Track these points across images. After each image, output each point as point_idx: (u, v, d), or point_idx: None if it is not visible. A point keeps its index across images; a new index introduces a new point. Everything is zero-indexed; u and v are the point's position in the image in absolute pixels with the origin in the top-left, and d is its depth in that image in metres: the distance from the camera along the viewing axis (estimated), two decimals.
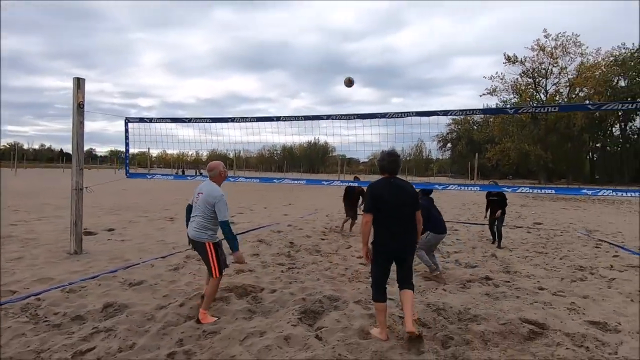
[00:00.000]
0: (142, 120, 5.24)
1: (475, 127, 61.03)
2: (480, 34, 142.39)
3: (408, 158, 76.78)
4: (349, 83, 4.74)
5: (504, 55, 43.20)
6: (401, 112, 4.61)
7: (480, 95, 47.36)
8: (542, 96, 43.89)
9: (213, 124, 5.38)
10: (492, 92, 44.36)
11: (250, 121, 5.19)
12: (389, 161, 2.90)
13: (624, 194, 4.49)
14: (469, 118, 63.67)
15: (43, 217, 8.55)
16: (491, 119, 47.18)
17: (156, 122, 5.15)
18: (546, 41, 41.13)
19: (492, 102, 44.88)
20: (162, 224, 8.07)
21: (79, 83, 4.99)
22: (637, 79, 39.93)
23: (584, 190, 5.03)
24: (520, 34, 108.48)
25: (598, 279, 4.77)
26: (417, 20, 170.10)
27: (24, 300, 3.29)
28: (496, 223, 6.72)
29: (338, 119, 4.92)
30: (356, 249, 6.07)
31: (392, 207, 2.79)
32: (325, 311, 3.35)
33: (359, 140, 5.36)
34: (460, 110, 4.90)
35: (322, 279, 4.36)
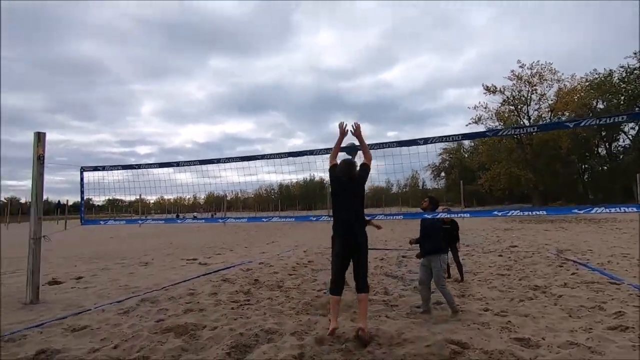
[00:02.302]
0: (96, 169, 5.50)
1: (466, 155, 62.06)
2: (465, 67, 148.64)
3: (404, 190, 77.39)
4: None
5: (483, 85, 45.02)
6: (383, 143, 4.54)
7: (467, 125, 48.60)
8: (526, 121, 45.14)
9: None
10: (477, 120, 45.60)
11: (225, 162, 5.29)
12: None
13: (617, 210, 4.05)
14: (459, 146, 65.07)
15: (18, 270, 8.56)
16: (480, 146, 48.19)
17: (109, 170, 5.40)
18: (522, 70, 43.07)
19: (479, 129, 46.07)
20: (134, 269, 8.08)
21: (39, 137, 5.30)
22: (614, 100, 41.36)
23: (575, 210, 4.53)
24: (501, 64, 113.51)
25: (548, 297, 4.81)
26: (407, 56, 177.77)
27: None
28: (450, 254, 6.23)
29: (320, 154, 4.85)
30: (321, 282, 6.12)
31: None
32: (257, 344, 3.39)
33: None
34: (439, 137, 4.37)
35: (270, 313, 4.39)
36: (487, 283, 5.80)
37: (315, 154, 4.82)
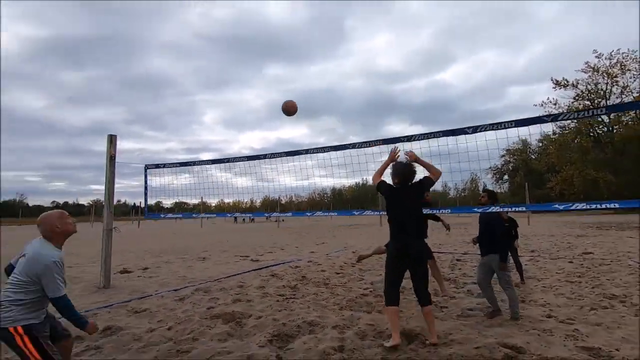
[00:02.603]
0: (157, 166, 6.00)
1: (534, 157, 57.17)
2: (530, 63, 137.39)
3: (463, 194, 73.32)
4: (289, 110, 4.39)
5: (552, 80, 41.24)
6: (428, 133, 4.25)
7: None
8: (605, 117, 40.46)
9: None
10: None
11: (271, 157, 5.39)
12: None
13: None
14: (525, 147, 60.12)
15: (97, 261, 9.61)
16: (549, 147, 44.15)
17: (169, 167, 5.87)
18: (599, 61, 38.71)
19: (548, 128, 42.24)
20: (192, 263, 8.64)
21: (112, 139, 5.91)
22: None
23: None
24: (571, 58, 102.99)
25: (627, 307, 4.22)
26: (464, 55, 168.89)
27: None
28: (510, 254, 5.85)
29: (362, 147, 4.74)
30: (367, 281, 6.02)
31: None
32: (299, 334, 3.42)
33: None
34: (489, 125, 4.06)
35: (314, 307, 4.41)
36: (553, 290, 5.25)
37: (358, 147, 4.66)
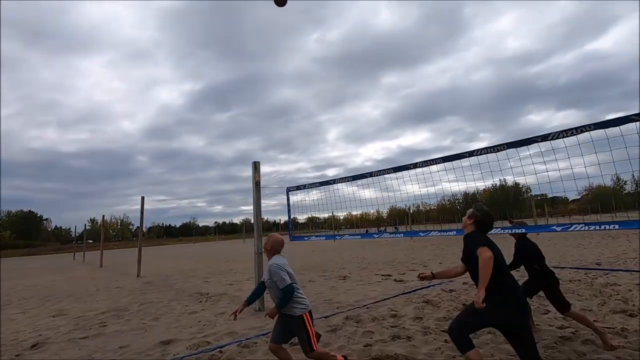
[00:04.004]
0: (298, 188, 5.96)
1: None
2: None
3: None
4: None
5: None
6: (578, 127, 3.37)
7: None
8: None
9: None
10: None
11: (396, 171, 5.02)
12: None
13: None
14: None
15: (252, 277, 10.46)
16: None
17: (308, 188, 5.76)
18: None
19: None
20: (334, 283, 8.48)
21: (256, 166, 6.17)
22: None
23: None
24: None
25: None
26: (626, 13, 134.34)
27: (211, 352, 3.95)
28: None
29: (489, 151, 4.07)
30: (555, 313, 4.63)
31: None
32: None
33: (564, 174, 3.86)
34: None
35: (495, 352, 3.43)
36: None
37: (497, 151, 3.61)
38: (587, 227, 2.93)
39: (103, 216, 27.12)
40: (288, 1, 3.62)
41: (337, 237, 6.62)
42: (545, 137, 3.56)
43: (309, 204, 6.57)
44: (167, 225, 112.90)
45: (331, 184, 5.55)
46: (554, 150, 3.67)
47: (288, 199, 6.11)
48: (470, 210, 2.84)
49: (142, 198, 13.25)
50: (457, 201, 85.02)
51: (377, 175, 5.23)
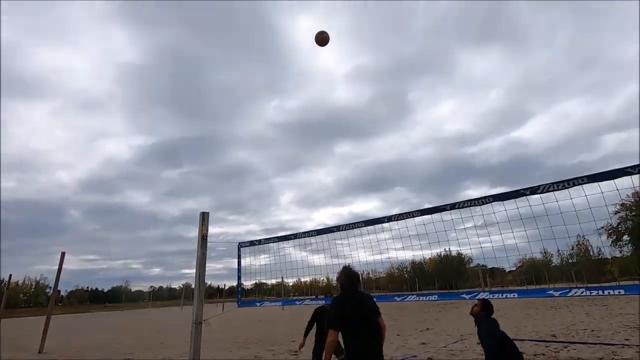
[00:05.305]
0: (252, 243, 5.26)
1: None
2: (625, 105, 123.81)
3: (571, 261, 61.80)
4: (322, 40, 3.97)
5: None
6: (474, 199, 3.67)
7: None
8: None
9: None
10: None
11: (353, 228, 4.72)
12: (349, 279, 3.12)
13: None
14: None
15: (185, 353, 8.85)
16: None
17: (263, 243, 5.09)
18: None
19: None
20: (284, 358, 7.35)
21: (204, 217, 5.41)
22: None
23: None
24: None
25: None
26: (543, 108, 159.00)
27: None
28: None
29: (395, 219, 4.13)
30: None
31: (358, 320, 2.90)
32: None
33: (497, 247, 4.44)
34: (566, 181, 3.43)
35: None
36: None
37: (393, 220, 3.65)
38: (589, 292, 2.64)
39: (10, 275, 22.89)
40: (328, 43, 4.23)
41: (296, 302, 5.87)
42: (473, 202, 3.95)
43: (257, 269, 5.95)
44: (94, 289, 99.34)
45: (291, 239, 4.96)
46: (486, 225, 4.21)
47: (239, 257, 5.32)
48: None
49: (63, 254, 11.34)
50: (405, 269, 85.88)
51: (326, 233, 5.28)
